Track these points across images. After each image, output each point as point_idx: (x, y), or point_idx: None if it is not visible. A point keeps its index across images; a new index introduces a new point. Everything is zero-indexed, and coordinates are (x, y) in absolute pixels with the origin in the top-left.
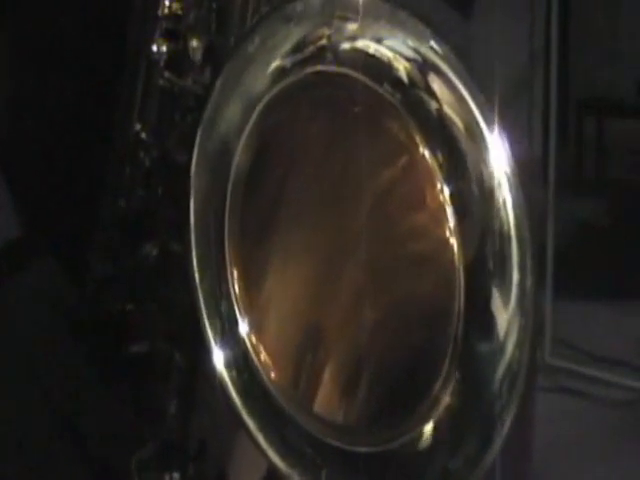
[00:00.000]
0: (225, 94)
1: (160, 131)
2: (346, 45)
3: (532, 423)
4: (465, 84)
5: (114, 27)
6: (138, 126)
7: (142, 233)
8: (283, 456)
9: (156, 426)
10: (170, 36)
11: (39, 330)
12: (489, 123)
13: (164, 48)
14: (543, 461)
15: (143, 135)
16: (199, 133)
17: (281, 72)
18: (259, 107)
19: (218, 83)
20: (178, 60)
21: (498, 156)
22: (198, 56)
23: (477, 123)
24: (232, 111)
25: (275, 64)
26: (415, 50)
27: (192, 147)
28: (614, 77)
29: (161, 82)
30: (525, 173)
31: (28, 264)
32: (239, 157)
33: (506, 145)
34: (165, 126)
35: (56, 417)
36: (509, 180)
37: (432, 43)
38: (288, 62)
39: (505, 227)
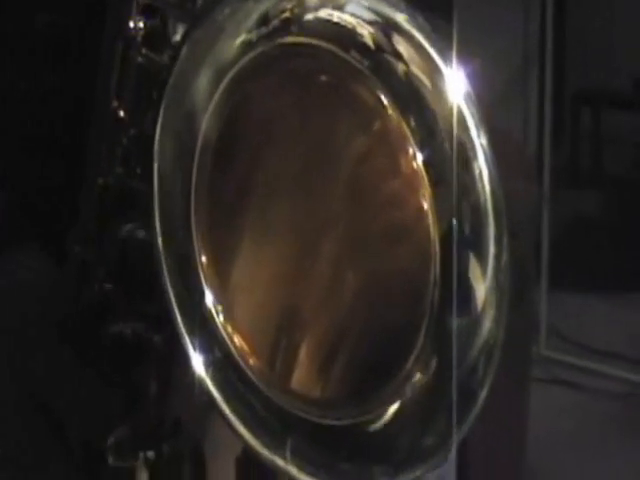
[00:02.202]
0: (193, 62)
1: (138, 108)
2: (310, 16)
3: (527, 415)
4: (429, 40)
5: (92, 4)
6: (116, 103)
7: (122, 212)
8: (250, 427)
9: (133, 406)
10: (148, 13)
11: (18, 310)
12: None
13: (141, 25)
14: (538, 453)
15: (121, 113)
16: (165, 99)
17: (247, 46)
18: (228, 77)
19: (184, 50)
20: (156, 37)
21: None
22: (176, 32)
23: (444, 79)
24: (200, 79)
25: (241, 39)
26: (374, 11)
27: (158, 113)
28: (610, 69)
29: (139, 59)
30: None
31: (7, 245)
32: (206, 127)
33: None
34: (143, 103)
35: (33, 397)
36: (485, 153)
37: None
38: (254, 36)
39: (482, 199)
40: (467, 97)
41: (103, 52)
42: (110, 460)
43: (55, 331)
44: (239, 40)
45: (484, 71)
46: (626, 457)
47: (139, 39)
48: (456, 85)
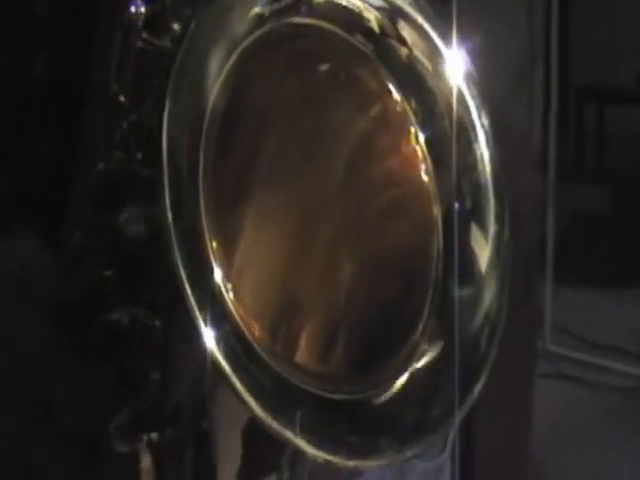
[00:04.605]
0: (202, 43)
1: (138, 93)
2: None
3: (531, 409)
4: (432, 23)
5: None
6: (116, 88)
7: (121, 198)
8: (257, 399)
9: (135, 393)
10: None
11: (15, 298)
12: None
13: (142, 9)
14: (542, 447)
15: (121, 97)
16: (173, 75)
17: (259, 19)
18: (235, 54)
19: (191, 32)
20: (156, 21)
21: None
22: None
23: (446, 63)
24: (210, 58)
25: (255, 11)
26: None
27: (165, 91)
28: (614, 65)
29: (139, 43)
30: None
31: (3, 232)
32: (213, 106)
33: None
34: (143, 88)
35: (33, 386)
36: (486, 134)
37: None
38: (267, 10)
39: (482, 179)
40: (468, 78)
41: (102, 36)
42: (114, 445)
43: (52, 320)
44: (253, 12)
45: (488, 66)
46: (630, 451)
47: (140, 23)
48: (456, 66)
